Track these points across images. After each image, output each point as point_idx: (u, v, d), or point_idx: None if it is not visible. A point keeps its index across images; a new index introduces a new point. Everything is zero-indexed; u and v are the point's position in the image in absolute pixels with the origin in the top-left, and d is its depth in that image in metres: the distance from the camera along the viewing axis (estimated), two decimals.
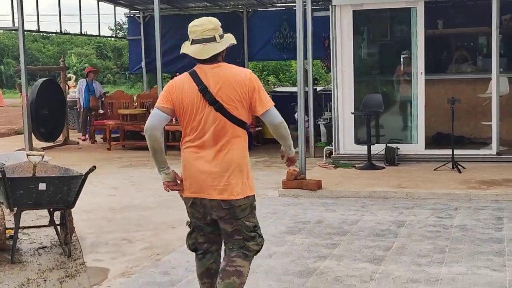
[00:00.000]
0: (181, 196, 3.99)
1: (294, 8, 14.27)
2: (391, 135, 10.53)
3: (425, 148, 10.12)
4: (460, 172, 9.05)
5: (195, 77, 3.81)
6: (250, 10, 16.44)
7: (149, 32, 15.70)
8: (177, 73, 22.74)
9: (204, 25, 3.86)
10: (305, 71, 10.70)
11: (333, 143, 10.51)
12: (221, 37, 3.88)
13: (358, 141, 10.39)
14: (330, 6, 10.36)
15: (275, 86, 23.69)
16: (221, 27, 3.89)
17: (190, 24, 3.88)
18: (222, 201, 3.82)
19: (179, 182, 3.95)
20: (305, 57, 10.00)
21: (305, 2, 9.98)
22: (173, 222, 7.10)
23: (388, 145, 10.01)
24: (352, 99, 10.31)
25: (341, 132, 10.40)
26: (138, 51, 17.08)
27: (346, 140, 10.41)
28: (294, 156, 4.10)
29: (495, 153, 9.86)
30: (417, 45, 9.97)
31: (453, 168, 9.22)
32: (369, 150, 9.79)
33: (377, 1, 10.11)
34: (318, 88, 15.70)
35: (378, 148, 10.00)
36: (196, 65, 3.87)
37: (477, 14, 12.33)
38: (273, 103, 3.85)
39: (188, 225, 4.07)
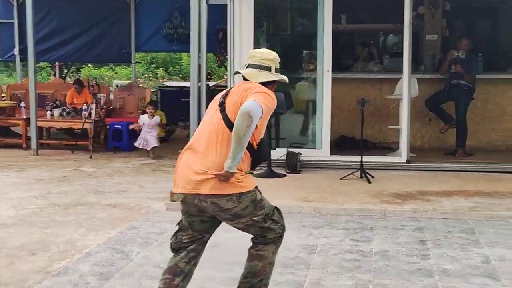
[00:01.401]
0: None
1: None
2: (293, 138, 9.54)
3: (330, 154, 9.18)
4: (370, 182, 8.16)
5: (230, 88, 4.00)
6: None
7: (23, 15, 13.94)
8: (56, 63, 21.10)
9: (264, 53, 4.07)
10: (198, 65, 9.58)
11: None
12: (277, 71, 4.03)
13: None
14: None
15: (164, 80, 22.27)
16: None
17: (252, 50, 4.17)
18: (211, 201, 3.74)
19: None
20: (198, 50, 8.86)
21: None
22: (35, 245, 5.74)
23: (290, 150, 9.00)
24: None
25: None
26: (11, 36, 15.27)
27: None
28: (223, 174, 3.68)
29: (405, 161, 9.05)
30: (323, 39, 9.01)
31: (361, 177, 8.32)
32: (269, 155, 8.73)
33: None
34: (211, 84, 14.60)
35: (278, 153, 8.97)
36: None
37: (383, 10, 11.62)
38: (259, 104, 3.66)
39: (178, 223, 3.99)
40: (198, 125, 7.21)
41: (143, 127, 10.84)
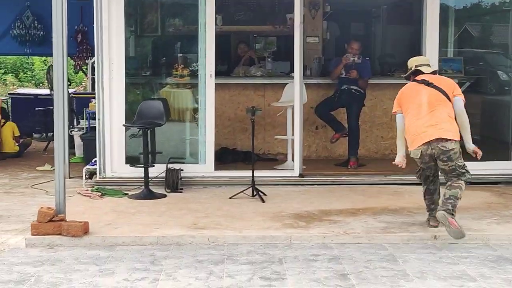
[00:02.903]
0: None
1: None
2: (171, 152, 8.42)
3: (215, 170, 8.17)
4: (263, 201, 7.23)
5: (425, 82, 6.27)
6: None
7: None
8: None
9: (425, 59, 6.76)
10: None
11: (97, 163, 8.11)
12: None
13: (130, 161, 8.12)
14: None
15: (15, 87, 20.20)
16: None
17: (418, 58, 6.74)
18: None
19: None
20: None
21: None
22: None
23: (169, 166, 7.90)
24: (123, 107, 8.02)
25: (108, 149, 8.04)
26: None
27: (114, 160, 8.07)
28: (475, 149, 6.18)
29: (297, 175, 8.22)
30: (205, 41, 7.98)
31: (253, 195, 7.38)
32: (146, 173, 7.58)
33: None
34: (70, 91, 13.14)
35: (155, 170, 7.83)
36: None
37: (262, 10, 10.85)
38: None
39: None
40: (64, 137, 6.06)
41: None
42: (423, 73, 6.28)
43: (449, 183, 5.92)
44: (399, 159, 6.28)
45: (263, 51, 10.54)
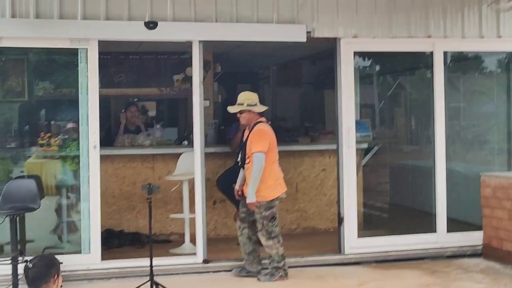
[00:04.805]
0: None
1: None
2: (46, 240, 6.96)
3: (102, 259, 6.77)
4: None
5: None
6: None
7: None
8: None
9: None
10: None
11: None
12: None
13: None
14: None
15: None
16: None
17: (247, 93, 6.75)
18: None
19: None
20: None
21: None
22: None
23: None
24: None
25: None
26: None
27: None
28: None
29: (201, 261, 6.97)
30: (88, 104, 6.67)
31: None
32: (15, 270, 6.05)
33: (25, 35, 6.54)
34: None
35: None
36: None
37: (146, 72, 9.74)
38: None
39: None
40: None
41: None
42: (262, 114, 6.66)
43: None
44: (255, 202, 6.35)
45: (148, 116, 9.40)
